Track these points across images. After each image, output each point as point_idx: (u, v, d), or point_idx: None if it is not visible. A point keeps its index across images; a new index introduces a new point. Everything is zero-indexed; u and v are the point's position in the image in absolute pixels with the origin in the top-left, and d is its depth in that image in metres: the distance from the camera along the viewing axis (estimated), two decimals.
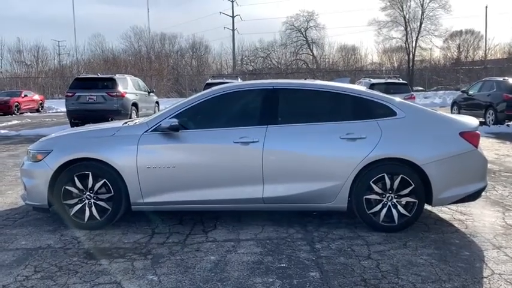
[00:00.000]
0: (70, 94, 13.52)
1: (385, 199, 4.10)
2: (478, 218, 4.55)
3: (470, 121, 4.37)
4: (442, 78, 40.54)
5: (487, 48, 45.99)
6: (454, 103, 16.81)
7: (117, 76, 14.26)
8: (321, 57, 50.47)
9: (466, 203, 4.62)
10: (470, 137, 4.15)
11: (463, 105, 15.82)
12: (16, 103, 24.23)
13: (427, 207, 4.42)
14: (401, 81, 15.07)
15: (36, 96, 27.54)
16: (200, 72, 44.90)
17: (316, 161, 4.09)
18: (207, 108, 4.33)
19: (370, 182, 4.06)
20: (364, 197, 4.08)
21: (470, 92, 15.66)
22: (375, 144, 4.05)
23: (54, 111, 26.92)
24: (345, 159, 4.07)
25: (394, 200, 4.10)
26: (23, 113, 24.14)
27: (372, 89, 14.37)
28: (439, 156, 4.06)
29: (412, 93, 14.13)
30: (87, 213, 4.16)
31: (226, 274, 3.20)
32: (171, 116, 4.18)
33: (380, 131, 4.09)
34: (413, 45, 43.74)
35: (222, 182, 4.11)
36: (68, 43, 66.93)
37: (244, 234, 4.07)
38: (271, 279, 3.11)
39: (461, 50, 48.85)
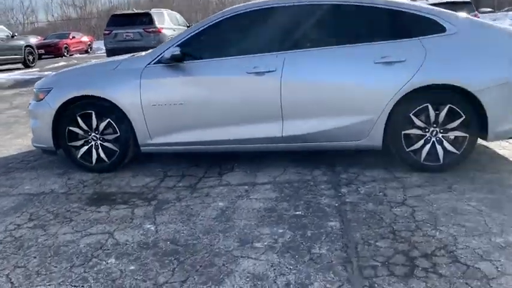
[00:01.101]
0: (107, 32, 13.25)
1: (428, 134, 3.44)
2: None
3: None
4: None
5: None
6: None
7: (153, 11, 13.73)
8: None
9: None
10: None
11: None
12: (65, 45, 24.61)
13: (481, 142, 3.71)
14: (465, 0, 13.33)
15: (85, 38, 27.85)
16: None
17: (345, 91, 3.45)
18: (215, 34, 3.74)
19: (411, 115, 3.39)
20: (403, 132, 3.44)
21: None
22: (417, 68, 3.32)
23: (103, 51, 27.10)
24: (380, 88, 3.40)
25: (440, 135, 3.42)
26: (72, 55, 24.55)
27: None
28: (497, 80, 3.27)
29: (476, 12, 12.49)
30: (95, 155, 3.87)
31: (231, 223, 2.80)
32: (175, 44, 3.65)
33: (424, 52, 3.34)
34: None
35: (235, 120, 3.61)
36: None
37: (261, 177, 3.62)
38: (281, 230, 2.67)
39: None
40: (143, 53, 4.02)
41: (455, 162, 3.47)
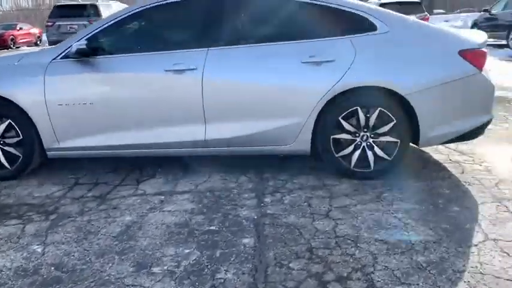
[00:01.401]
0: (50, 24, 12.52)
1: (358, 139, 3.23)
2: (479, 159, 3.68)
3: (476, 36, 3.34)
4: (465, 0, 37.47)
5: None
6: (474, 24, 15.15)
7: (100, 2, 13.08)
8: None
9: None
10: (473, 56, 3.14)
11: (484, 26, 14.18)
12: (11, 36, 23.22)
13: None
14: (415, 0, 13.48)
15: (34, 30, 26.41)
16: None
17: (270, 93, 3.19)
18: (131, 27, 3.39)
19: (340, 118, 3.17)
20: (332, 136, 3.22)
21: (493, 11, 14.01)
22: (346, 68, 3.10)
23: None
24: (307, 90, 3.15)
25: (370, 140, 3.22)
26: (19, 47, 23.19)
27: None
28: (429, 82, 3.10)
29: (426, 13, 12.65)
30: None
31: (133, 243, 2.47)
32: (84, 37, 3.27)
33: (354, 52, 3.13)
34: None
35: (153, 122, 3.28)
36: None
37: (183, 184, 3.31)
38: (187, 250, 2.37)
39: None
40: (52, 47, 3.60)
41: (387, 169, 3.28)
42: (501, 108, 5.59)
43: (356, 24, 3.22)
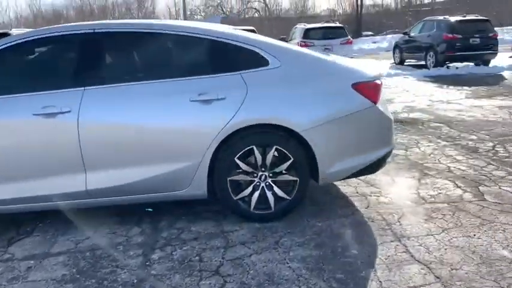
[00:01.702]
0: None
1: (256, 179, 3.02)
2: (386, 190, 3.59)
3: (371, 68, 3.28)
4: (391, 22, 39.78)
5: None
6: (395, 46, 15.89)
7: (14, 31, 12.26)
8: (274, 5, 48.63)
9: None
10: (367, 89, 3.06)
11: (404, 48, 14.97)
12: None
13: None
14: (337, 24, 13.92)
15: None
16: None
17: (157, 135, 2.91)
18: None
19: (235, 158, 2.95)
20: (229, 178, 2.98)
21: (412, 34, 14.78)
22: (238, 106, 2.90)
23: None
24: (198, 130, 2.91)
25: (269, 180, 3.03)
26: None
27: (307, 34, 13.42)
28: (324, 117, 2.97)
29: (348, 37, 13.06)
30: None
31: None
32: None
33: (245, 88, 2.94)
34: None
35: (26, 174, 2.88)
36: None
37: (61, 243, 2.91)
38: None
39: None
40: None
41: (288, 209, 3.09)
42: (414, 131, 5.68)
43: (247, 59, 3.04)
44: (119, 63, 3.14)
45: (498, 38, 12.97)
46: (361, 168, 3.13)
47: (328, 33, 13.11)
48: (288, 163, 2.98)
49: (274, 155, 2.97)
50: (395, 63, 15.45)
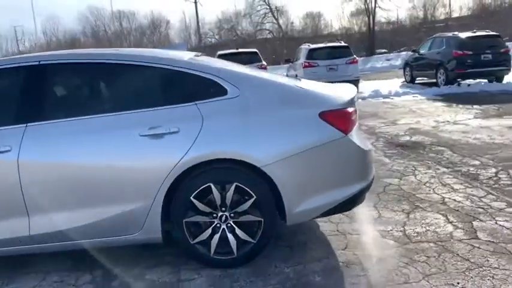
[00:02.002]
0: None
1: (216, 220, 2.74)
2: (369, 228, 3.26)
3: (341, 94, 2.98)
4: (405, 39, 39.38)
5: (451, 5, 44.93)
6: (406, 64, 15.57)
7: None
8: (287, 26, 48.84)
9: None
10: (336, 118, 2.76)
11: (414, 66, 14.60)
12: None
13: None
14: (341, 44, 13.65)
15: None
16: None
17: (104, 174, 2.67)
18: None
19: (192, 198, 2.68)
20: (185, 220, 2.71)
21: (421, 51, 14.43)
22: (192, 140, 2.64)
23: None
24: (149, 168, 2.66)
25: (231, 221, 2.74)
26: None
27: (311, 55, 13.17)
28: (289, 151, 2.69)
29: (354, 56, 12.75)
30: None
31: None
32: None
33: (201, 120, 2.69)
34: (373, 6, 42.02)
35: None
36: (27, 27, 62.04)
37: None
38: None
39: (427, 9, 47.46)
40: None
41: (253, 254, 2.78)
42: (413, 156, 5.32)
43: (203, 88, 2.80)
44: (65, 97, 2.94)
45: (511, 53, 12.49)
46: (334, 206, 2.81)
47: (333, 53, 12.75)
48: (250, 202, 2.70)
49: (234, 193, 2.69)
50: (406, 81, 15.07)
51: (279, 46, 38.48)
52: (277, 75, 3.39)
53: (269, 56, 35.52)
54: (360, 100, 11.55)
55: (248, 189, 2.68)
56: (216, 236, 2.73)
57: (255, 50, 14.10)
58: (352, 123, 2.84)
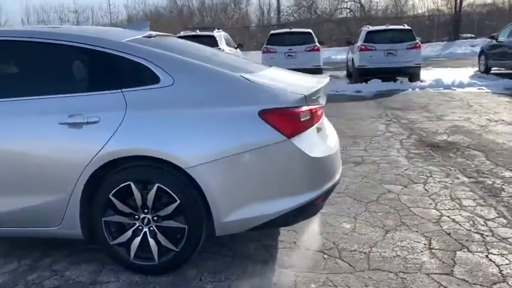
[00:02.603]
0: None
1: (138, 222, 2.48)
2: (329, 244, 2.80)
3: (298, 88, 2.52)
4: (495, 23, 35.70)
5: None
6: (481, 52, 13.94)
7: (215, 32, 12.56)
8: (370, 5, 46.37)
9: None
10: (278, 118, 2.34)
11: (490, 54, 13.04)
12: None
13: None
14: (404, 27, 12.47)
15: None
16: (245, 25, 42.51)
17: (22, 162, 2.51)
18: None
19: (110, 196, 2.43)
20: (104, 219, 2.48)
21: (500, 38, 12.81)
22: (112, 132, 2.38)
23: None
24: (67, 159, 2.45)
25: (153, 225, 2.46)
26: None
27: (369, 37, 12.20)
28: (219, 152, 2.33)
29: (416, 41, 11.61)
30: None
31: None
32: None
33: (124, 109, 2.41)
34: None
35: None
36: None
37: None
38: None
39: None
40: None
41: (176, 263, 2.49)
42: (438, 160, 4.64)
43: (133, 74, 2.51)
44: None
45: None
46: (274, 218, 2.42)
47: (393, 37, 11.56)
48: (173, 206, 2.39)
49: (157, 196, 2.40)
50: (479, 71, 13.57)
51: (354, 26, 36.68)
52: (234, 62, 2.98)
53: (342, 37, 34.09)
54: (417, 89, 10.58)
55: (171, 192, 2.37)
56: (137, 239, 2.47)
57: (309, 30, 13.40)
58: (300, 125, 2.39)
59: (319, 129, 2.66)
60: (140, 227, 2.48)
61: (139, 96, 2.44)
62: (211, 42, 10.87)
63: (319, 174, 2.49)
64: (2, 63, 2.84)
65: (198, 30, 13.03)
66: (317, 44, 12.48)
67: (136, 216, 2.47)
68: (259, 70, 2.86)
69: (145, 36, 2.89)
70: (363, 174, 4.21)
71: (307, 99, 2.45)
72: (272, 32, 13.08)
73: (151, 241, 2.46)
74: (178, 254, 2.45)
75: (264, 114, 2.34)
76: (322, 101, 2.73)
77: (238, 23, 44.10)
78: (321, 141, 2.63)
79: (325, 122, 2.97)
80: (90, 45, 2.54)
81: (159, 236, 2.45)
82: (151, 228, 2.46)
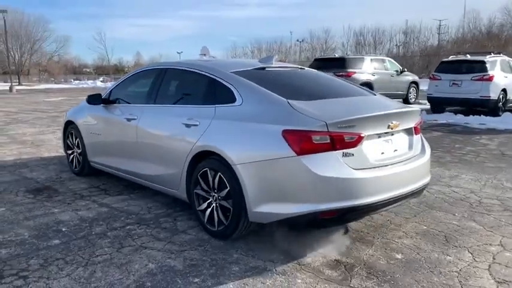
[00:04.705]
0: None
1: (211, 198, 3.53)
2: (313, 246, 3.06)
3: (327, 116, 3.00)
4: None
5: None
6: None
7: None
8: None
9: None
10: (293, 138, 2.95)
11: None
12: None
13: None
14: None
15: None
16: None
17: (165, 143, 4.00)
18: (122, 86, 4.87)
19: (198, 176, 3.58)
20: (195, 191, 3.64)
21: None
22: (203, 132, 3.53)
23: None
24: (180, 147, 3.76)
25: (218, 202, 3.46)
26: None
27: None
28: (252, 156, 3.14)
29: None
30: None
31: None
32: (108, 89, 4.99)
33: (211, 119, 3.52)
34: None
35: (125, 154, 4.56)
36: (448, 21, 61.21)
37: None
38: None
39: None
40: None
41: (225, 234, 3.40)
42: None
43: (223, 95, 3.57)
44: (166, 90, 4.32)
45: None
46: (285, 218, 3.06)
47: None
48: (225, 191, 3.33)
49: (219, 181, 3.38)
50: None
51: None
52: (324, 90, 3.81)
53: None
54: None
55: (225, 181, 3.31)
56: (209, 210, 3.52)
57: (482, 58, 11.94)
58: (313, 146, 2.89)
59: (348, 154, 2.98)
60: (211, 202, 3.51)
61: (221, 110, 3.49)
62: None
63: (328, 191, 2.88)
64: (166, 83, 4.39)
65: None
66: (489, 73, 11.23)
67: (210, 193, 3.51)
68: (330, 97, 3.42)
69: (257, 69, 3.89)
70: None
71: (330, 126, 2.90)
72: (443, 59, 12.86)
73: (215, 214, 3.46)
74: (226, 227, 3.36)
75: (284, 133, 2.97)
76: (370, 130, 3.08)
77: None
78: (345, 164, 2.94)
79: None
80: (207, 72, 3.80)
81: (219, 211, 3.42)
82: (216, 204, 3.46)
